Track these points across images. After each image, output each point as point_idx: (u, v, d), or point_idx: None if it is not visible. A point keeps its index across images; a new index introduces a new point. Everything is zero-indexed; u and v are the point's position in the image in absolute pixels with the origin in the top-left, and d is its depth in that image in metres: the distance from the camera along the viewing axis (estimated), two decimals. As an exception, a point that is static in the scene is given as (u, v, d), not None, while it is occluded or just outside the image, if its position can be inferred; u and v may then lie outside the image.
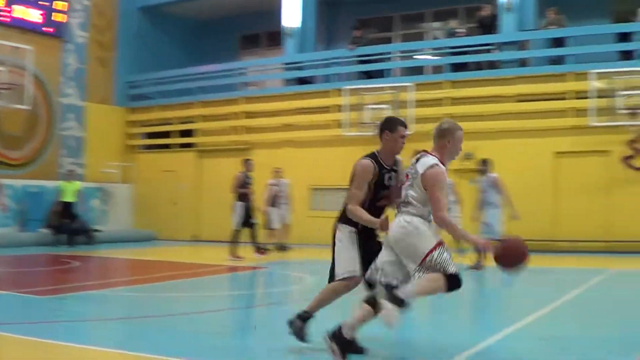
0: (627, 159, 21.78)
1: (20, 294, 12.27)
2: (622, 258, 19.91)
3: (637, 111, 21.17)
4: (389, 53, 27.06)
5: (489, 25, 25.40)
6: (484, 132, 23.00)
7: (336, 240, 7.56)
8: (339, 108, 25.67)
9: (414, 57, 27.50)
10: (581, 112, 22.38)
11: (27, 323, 9.43)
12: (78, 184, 25.62)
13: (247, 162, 20.42)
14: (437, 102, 24.47)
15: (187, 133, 30.24)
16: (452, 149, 7.20)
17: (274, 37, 31.19)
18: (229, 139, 28.34)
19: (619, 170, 21.88)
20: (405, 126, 7.59)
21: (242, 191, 19.85)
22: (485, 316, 11.22)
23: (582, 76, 22.56)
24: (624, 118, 21.37)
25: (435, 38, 29.87)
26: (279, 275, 14.08)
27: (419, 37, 29.85)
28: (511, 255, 6.86)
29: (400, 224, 6.94)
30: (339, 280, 7.31)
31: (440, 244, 6.82)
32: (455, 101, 24.40)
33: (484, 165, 17.40)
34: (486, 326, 9.85)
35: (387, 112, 24.17)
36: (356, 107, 24.87)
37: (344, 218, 7.60)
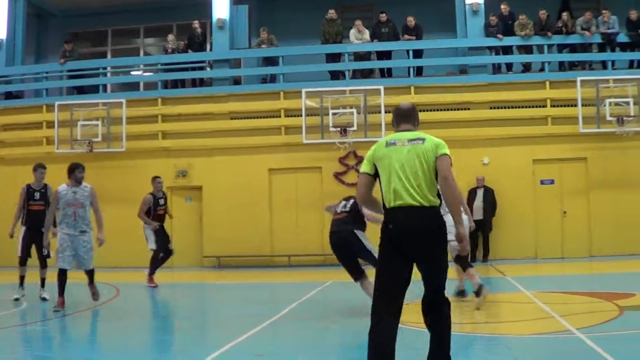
0: (338, 175, 22.61)
1: None
2: (337, 271, 20.48)
3: (347, 129, 21.97)
4: (102, 68, 26.50)
5: (201, 43, 25.53)
6: (198, 149, 23.16)
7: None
8: (50, 124, 24.81)
9: (129, 73, 27.15)
10: (294, 130, 23.01)
11: None
12: None
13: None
14: (150, 118, 24.22)
15: None
16: None
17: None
18: None
19: (331, 186, 22.66)
20: None
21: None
22: (204, 334, 11.19)
23: (293, 95, 23.22)
24: (335, 136, 22.15)
25: (148, 54, 29.68)
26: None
27: (132, 52, 29.51)
28: None
29: None
30: None
31: None
32: (169, 118, 24.27)
33: None
34: (205, 344, 9.80)
35: (100, 128, 23.75)
36: (68, 124, 24.10)
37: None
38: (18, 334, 10.86)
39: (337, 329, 10.92)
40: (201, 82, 25.32)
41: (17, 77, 27.10)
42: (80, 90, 26.00)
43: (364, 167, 6.79)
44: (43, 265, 14.34)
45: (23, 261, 14.56)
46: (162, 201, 17.62)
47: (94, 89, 25.97)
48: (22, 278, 14.46)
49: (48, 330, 11.20)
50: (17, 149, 25.41)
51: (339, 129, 22.15)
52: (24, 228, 14.70)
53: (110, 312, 13.33)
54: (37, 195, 14.92)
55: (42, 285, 14.36)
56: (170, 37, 26.33)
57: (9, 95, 26.97)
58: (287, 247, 23.02)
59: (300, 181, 23.20)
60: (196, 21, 25.53)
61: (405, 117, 6.91)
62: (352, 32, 24.20)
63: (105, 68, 26.60)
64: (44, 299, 14.06)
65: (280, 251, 23.17)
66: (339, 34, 24.46)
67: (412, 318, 8.23)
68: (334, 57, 24.35)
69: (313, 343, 9.68)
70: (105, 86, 26.59)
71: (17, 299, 14.14)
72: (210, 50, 25.89)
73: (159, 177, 17.97)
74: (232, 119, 24.12)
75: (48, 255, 14.29)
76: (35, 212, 14.63)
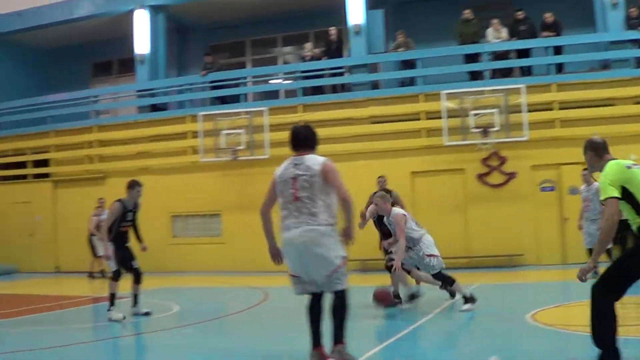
0: (482, 177, 22.41)
1: None
2: (482, 273, 20.32)
3: (488, 130, 21.78)
4: (242, 78, 27.05)
5: (337, 49, 25.73)
6: (340, 154, 23.22)
7: None
8: (194, 134, 25.50)
9: (269, 81, 27.56)
10: (435, 132, 22.93)
11: None
12: None
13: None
14: (291, 126, 24.43)
15: (42, 163, 29.40)
16: None
17: (126, 64, 30.77)
18: (84, 168, 27.70)
19: (474, 188, 22.50)
20: None
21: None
22: (350, 338, 11.16)
23: (433, 97, 23.14)
24: (476, 137, 21.98)
25: (287, 62, 30.08)
26: (144, 304, 13.77)
27: (271, 61, 29.99)
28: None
29: None
30: None
31: None
32: (310, 124, 24.42)
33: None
34: (354, 347, 9.78)
35: (243, 137, 24.23)
36: (212, 133, 24.73)
37: None
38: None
39: (485, 332, 10.81)
40: (340, 88, 25.50)
41: (160, 90, 28.02)
42: (222, 101, 26.59)
43: (612, 192, 6.98)
44: (138, 280, 13.50)
45: (118, 276, 13.29)
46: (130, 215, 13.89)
47: (234, 99, 26.51)
48: (113, 295, 13.05)
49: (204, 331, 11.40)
50: (162, 159, 26.24)
51: (480, 129, 21.96)
52: (110, 245, 13.31)
53: (255, 316, 13.52)
54: (129, 216, 13.61)
55: (136, 302, 13.50)
56: (308, 45, 26.68)
57: (153, 108, 27.94)
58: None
59: (443, 183, 23.05)
60: (332, 28, 25.75)
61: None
62: (490, 31, 23.97)
63: (245, 78, 27.13)
64: (147, 314, 13.31)
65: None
66: (476, 34, 24.25)
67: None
68: (472, 58, 24.14)
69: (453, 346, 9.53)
70: (246, 95, 27.13)
71: (124, 318, 12.77)
72: (348, 56, 26.04)
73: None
74: (372, 123, 24.22)
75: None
76: (124, 233, 13.62)
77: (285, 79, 27.71)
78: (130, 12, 28.67)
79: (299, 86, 25.98)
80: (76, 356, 9.71)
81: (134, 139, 27.14)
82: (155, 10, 28.54)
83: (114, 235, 13.29)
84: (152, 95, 28.13)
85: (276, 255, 8.25)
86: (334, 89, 25.54)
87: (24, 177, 29.71)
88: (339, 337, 7.87)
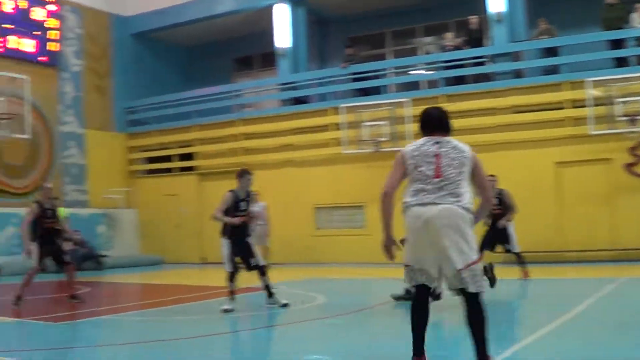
0: (629, 166, 21.78)
1: (33, 321, 12.42)
2: (630, 266, 19.81)
3: (636, 118, 21.18)
4: (383, 70, 27.08)
5: (478, 38, 25.47)
6: (481, 145, 22.95)
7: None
8: (336, 126, 25.70)
9: (409, 72, 27.48)
10: (580, 121, 22.42)
11: (42, 350, 9.50)
12: (64, 210, 25.61)
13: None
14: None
15: (187, 156, 30.36)
16: None
17: (267, 58, 31.27)
18: (229, 161, 28.32)
19: (621, 178, 21.90)
20: None
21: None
22: (497, 329, 10.93)
23: (577, 85, 22.61)
24: (623, 125, 21.39)
25: (427, 53, 29.93)
26: (289, 295, 13.97)
27: (411, 52, 29.91)
28: None
29: None
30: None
31: None
32: (452, 115, 24.17)
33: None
34: (500, 338, 9.56)
35: (385, 128, 24.27)
36: (354, 125, 24.87)
37: None
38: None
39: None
40: (482, 78, 25.22)
41: (302, 83, 28.32)
42: (364, 92, 26.66)
43: None
44: (262, 273, 13.03)
45: (233, 278, 12.92)
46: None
47: (376, 91, 26.57)
48: (232, 292, 12.80)
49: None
50: (305, 151, 26.54)
51: (627, 117, 21.32)
52: (224, 240, 13.08)
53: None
54: (242, 205, 13.20)
55: (270, 294, 13.16)
56: (448, 34, 26.51)
57: (295, 101, 28.24)
58: (575, 242, 22.42)
59: (588, 174, 22.48)
60: (473, 16, 25.51)
61: None
62: (635, 16, 23.21)
63: (386, 69, 27.14)
64: (285, 305, 13.00)
65: (568, 246, 22.60)
66: (621, 20, 23.52)
67: None
68: (616, 44, 23.47)
69: (607, 346, 8.78)
70: (387, 87, 27.18)
71: (228, 310, 12.52)
72: (489, 44, 25.73)
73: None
74: (515, 112, 23.88)
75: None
76: (239, 224, 13.04)
77: (427, 69, 27.55)
78: (270, 6, 29.12)
79: (441, 76, 25.87)
80: (222, 345, 9.95)
81: (277, 132, 27.60)
82: (295, 3, 28.90)
83: (229, 229, 13.07)
84: (294, 88, 28.49)
85: (390, 247, 7.05)
86: (476, 78, 25.29)
87: (170, 170, 30.61)
88: (483, 352, 6.59)
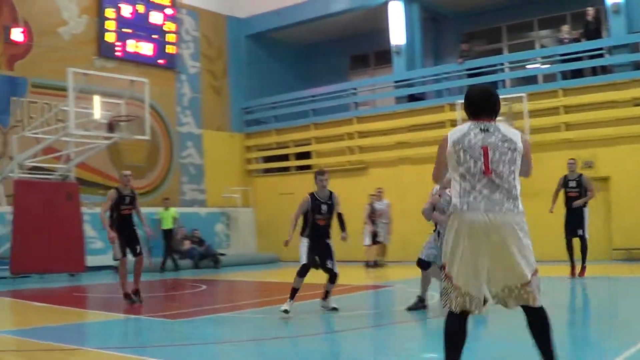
0: None
1: (153, 318, 12.81)
2: None
3: None
4: (499, 64, 26.87)
5: (596, 30, 25.04)
6: (601, 139, 22.63)
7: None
8: (452, 123, 25.54)
9: (526, 66, 27.18)
10: None
11: (161, 346, 9.72)
12: (174, 211, 26.25)
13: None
14: (551, 111, 24.14)
15: (303, 155, 30.75)
16: None
17: (382, 56, 31.43)
18: (345, 159, 28.58)
19: None
20: None
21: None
22: (617, 330, 10.46)
23: (702, 75, 22.05)
24: None
25: (543, 46, 29.55)
26: (408, 294, 13.99)
27: (527, 46, 29.54)
28: None
29: None
30: None
31: None
32: (570, 109, 24.04)
33: None
34: (619, 339, 9.16)
35: (502, 123, 24.05)
36: (471, 121, 24.66)
37: None
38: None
39: None
40: (601, 70, 24.79)
41: (418, 80, 28.32)
42: (479, 88, 26.43)
43: None
44: (332, 280, 12.94)
45: (304, 272, 12.81)
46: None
47: (492, 86, 26.33)
48: (295, 290, 12.69)
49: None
50: (422, 148, 26.45)
51: None
52: (305, 240, 13.02)
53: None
54: (323, 208, 12.96)
55: (326, 296, 13.11)
56: (565, 27, 26.14)
57: (411, 98, 28.25)
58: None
59: None
60: (589, 8, 25.08)
61: None
62: None
63: (502, 64, 26.93)
64: (334, 309, 12.90)
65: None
66: None
67: None
68: None
69: None
70: (503, 82, 26.98)
71: (286, 311, 12.27)
72: (607, 36, 25.28)
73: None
74: (635, 105, 23.33)
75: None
76: (319, 226, 12.94)
77: (543, 63, 27.20)
78: (385, 4, 29.21)
79: (558, 70, 25.46)
80: (344, 342, 10.11)
81: (393, 129, 27.69)
82: (409, 0, 28.89)
83: (309, 230, 12.99)
84: (410, 85, 28.53)
85: None
86: (594, 71, 24.85)
87: (286, 169, 31.04)
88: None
